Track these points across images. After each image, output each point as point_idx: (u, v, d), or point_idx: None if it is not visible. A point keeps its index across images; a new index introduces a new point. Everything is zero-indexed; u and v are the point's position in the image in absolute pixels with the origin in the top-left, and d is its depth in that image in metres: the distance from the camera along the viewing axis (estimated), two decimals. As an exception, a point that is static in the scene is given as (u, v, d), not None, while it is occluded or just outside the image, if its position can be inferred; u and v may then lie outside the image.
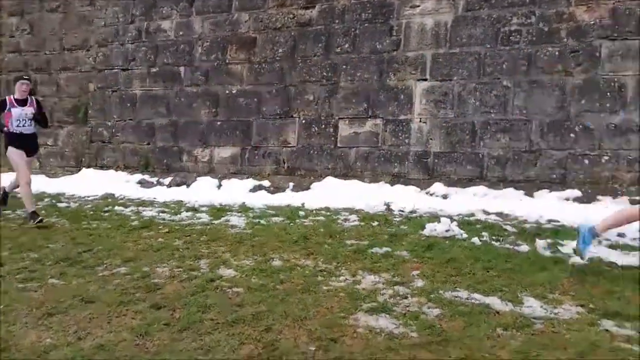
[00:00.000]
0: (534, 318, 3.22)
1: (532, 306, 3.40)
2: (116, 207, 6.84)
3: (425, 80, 7.24)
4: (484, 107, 6.90)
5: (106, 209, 6.80)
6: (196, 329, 3.10)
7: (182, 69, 8.97)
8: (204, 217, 6.11)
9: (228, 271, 4.15)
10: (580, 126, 6.36)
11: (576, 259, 4.28)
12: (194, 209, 6.63)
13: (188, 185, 8.40)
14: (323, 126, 7.84)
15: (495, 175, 6.80)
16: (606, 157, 6.24)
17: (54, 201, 7.50)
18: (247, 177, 8.20)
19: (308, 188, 7.56)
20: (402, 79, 7.38)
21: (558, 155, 6.48)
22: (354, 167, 7.64)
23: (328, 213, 6.15)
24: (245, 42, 8.41)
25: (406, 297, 3.56)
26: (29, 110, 6.01)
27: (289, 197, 7.18)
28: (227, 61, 8.55)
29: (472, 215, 5.82)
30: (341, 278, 3.94)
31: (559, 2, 6.50)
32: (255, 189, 7.88)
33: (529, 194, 6.45)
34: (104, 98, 9.73)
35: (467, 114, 6.99)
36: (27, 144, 6.07)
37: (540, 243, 4.71)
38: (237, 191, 7.72)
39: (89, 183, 8.76)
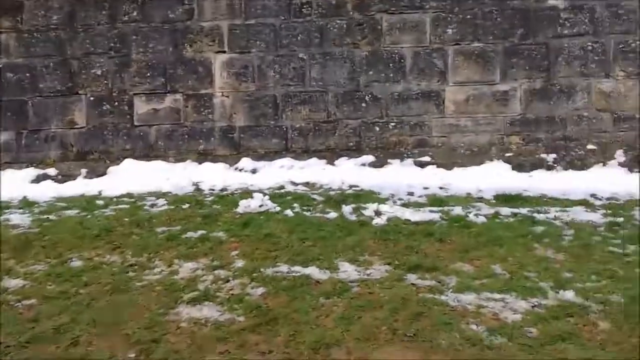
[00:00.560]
0: (351, 282, 3.41)
1: (347, 270, 3.59)
2: None
3: (224, 52, 7.05)
4: (283, 80, 7.01)
5: None
6: (-21, 360, 2.56)
7: None
8: (-28, 220, 5.10)
9: (15, 281, 3.52)
10: (370, 96, 6.89)
11: (378, 220, 4.67)
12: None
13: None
14: (116, 103, 7.11)
15: (299, 147, 7.01)
16: (392, 124, 6.89)
17: None
18: (27, 166, 7.06)
19: (104, 173, 6.83)
20: (200, 50, 7.07)
21: (353, 124, 6.93)
22: (156, 147, 7.13)
23: (132, 199, 5.63)
24: (10, 7, 7.11)
25: (228, 281, 3.46)
26: None
27: (82, 186, 6.38)
28: (-12, 30, 7.14)
29: (282, 187, 5.93)
30: (156, 270, 3.65)
31: (345, -25, 6.84)
32: (38, 179, 6.83)
33: (331, 162, 6.81)
34: None
35: (269, 86, 7.02)
36: None
37: (346, 209, 5.01)
38: (16, 183, 6.60)
39: None
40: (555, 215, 4.77)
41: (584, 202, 5.20)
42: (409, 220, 4.68)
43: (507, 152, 6.50)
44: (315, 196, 5.58)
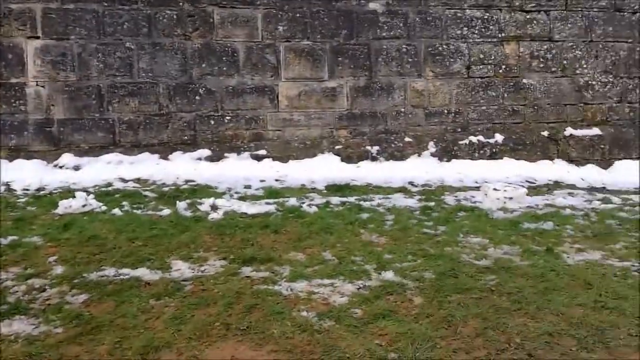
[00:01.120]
0: (184, 280, 3.32)
1: (181, 269, 3.49)
2: None
3: (38, 38, 6.33)
4: (109, 70, 6.52)
5: None
6: None
7: None
8: None
9: None
10: (204, 89, 6.76)
11: (214, 215, 4.62)
12: None
13: None
14: None
15: (128, 141, 6.60)
16: (228, 118, 6.84)
17: None
18: None
19: None
20: (8, 35, 6.26)
21: (187, 117, 6.73)
22: (-48, 143, 6.15)
23: None
24: None
25: (44, 290, 3.14)
26: None
27: None
28: None
29: (110, 185, 5.54)
30: (-49, 286, 3.16)
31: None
32: None
33: (164, 157, 6.54)
34: None
35: (92, 76, 6.48)
36: None
37: (181, 205, 4.87)
38: None
39: None
40: (378, 202, 5.20)
41: (403, 189, 5.75)
42: (246, 213, 4.72)
43: (337, 144, 6.89)
44: (147, 193, 5.33)
